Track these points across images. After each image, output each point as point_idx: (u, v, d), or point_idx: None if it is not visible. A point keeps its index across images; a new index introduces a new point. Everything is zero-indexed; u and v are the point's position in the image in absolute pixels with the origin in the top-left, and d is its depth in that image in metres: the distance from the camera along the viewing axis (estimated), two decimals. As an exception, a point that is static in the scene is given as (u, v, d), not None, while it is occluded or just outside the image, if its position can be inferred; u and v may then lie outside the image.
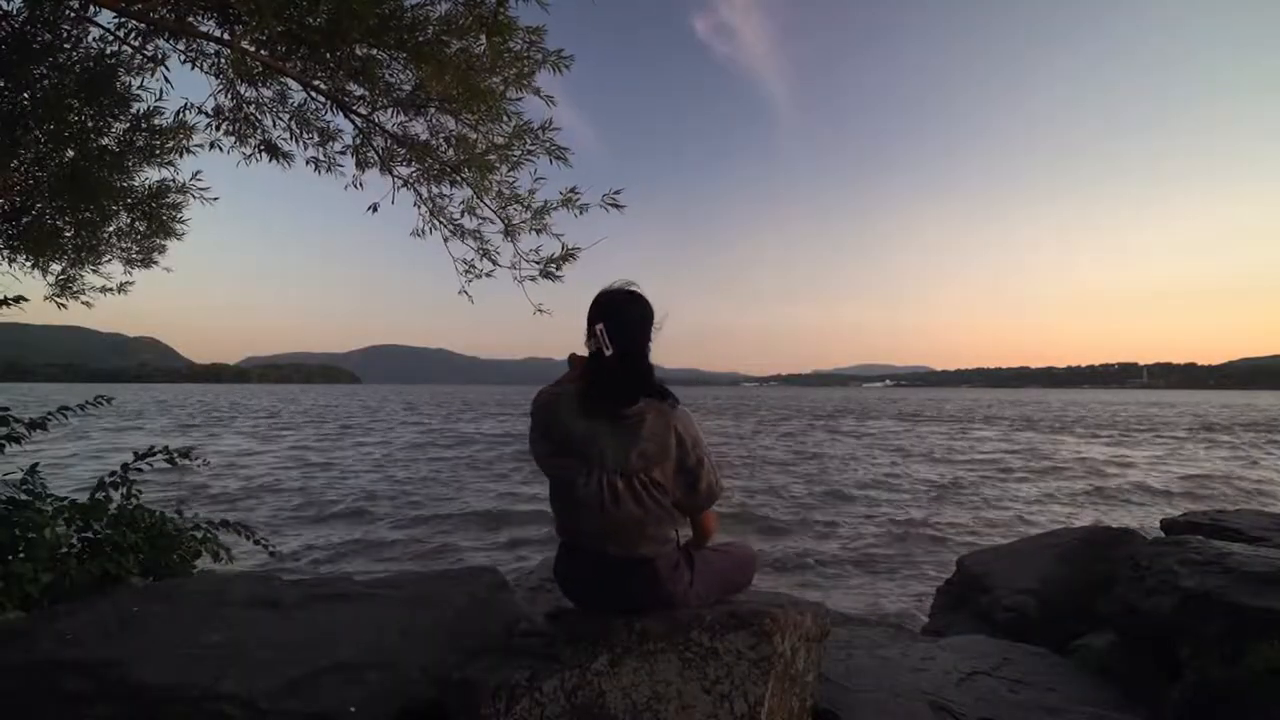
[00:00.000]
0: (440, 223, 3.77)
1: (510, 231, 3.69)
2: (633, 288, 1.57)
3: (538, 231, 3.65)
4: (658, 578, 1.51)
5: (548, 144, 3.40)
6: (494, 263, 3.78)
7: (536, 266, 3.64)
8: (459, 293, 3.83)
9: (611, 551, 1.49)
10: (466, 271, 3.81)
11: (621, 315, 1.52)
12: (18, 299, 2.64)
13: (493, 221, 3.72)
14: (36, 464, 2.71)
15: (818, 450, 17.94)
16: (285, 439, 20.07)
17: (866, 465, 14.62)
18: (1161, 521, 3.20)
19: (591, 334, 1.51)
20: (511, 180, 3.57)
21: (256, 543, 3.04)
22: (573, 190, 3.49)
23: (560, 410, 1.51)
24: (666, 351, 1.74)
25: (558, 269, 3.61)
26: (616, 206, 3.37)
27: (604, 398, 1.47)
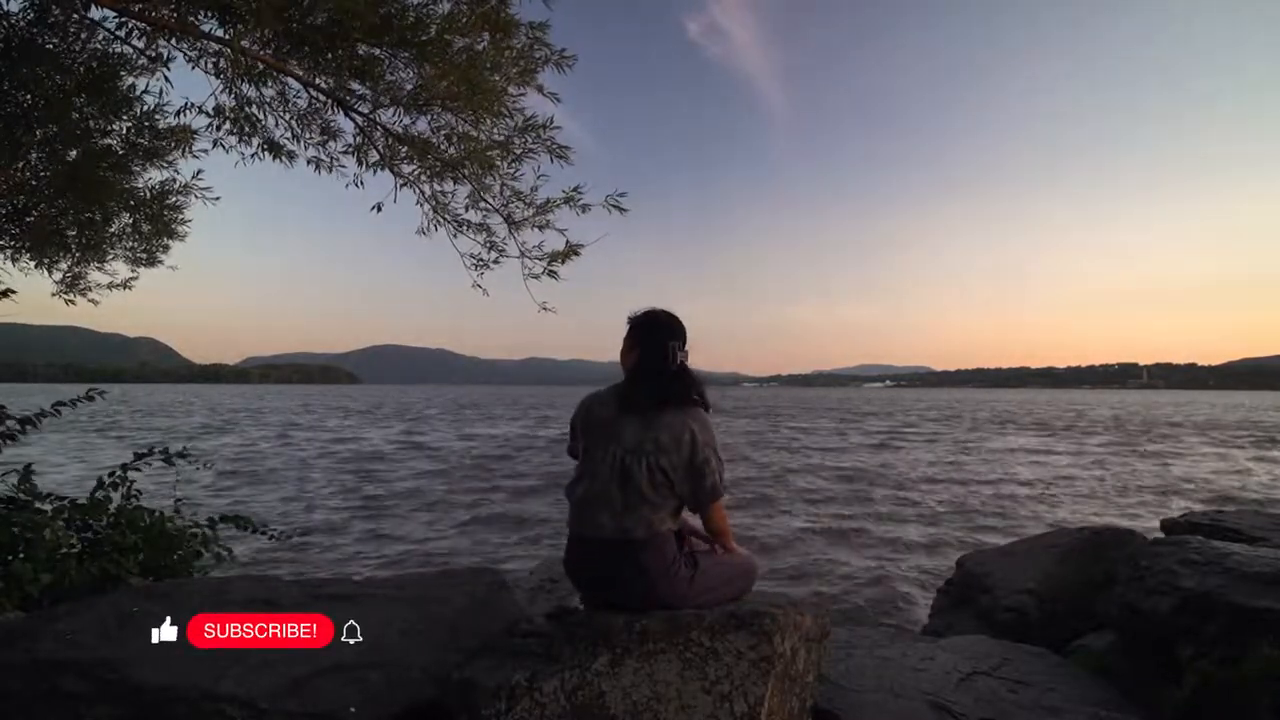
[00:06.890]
0: (445, 219, 3.76)
1: (513, 227, 3.68)
2: (661, 309, 1.78)
3: (540, 228, 3.65)
4: (642, 564, 1.58)
5: (549, 142, 3.39)
6: (501, 252, 3.77)
7: (541, 262, 3.63)
8: (472, 286, 3.83)
9: (607, 528, 1.60)
10: (476, 265, 3.80)
11: (652, 335, 1.74)
12: (5, 292, 2.66)
13: (497, 213, 3.71)
14: (31, 464, 2.71)
15: (814, 452, 17.93)
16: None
17: (858, 461, 14.62)
18: (1161, 522, 3.20)
19: (633, 346, 1.75)
20: (514, 173, 3.55)
21: (255, 531, 3.03)
22: (575, 189, 3.47)
23: (593, 406, 1.75)
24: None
25: (562, 263, 3.59)
26: (619, 209, 3.35)
27: (637, 399, 1.68)
